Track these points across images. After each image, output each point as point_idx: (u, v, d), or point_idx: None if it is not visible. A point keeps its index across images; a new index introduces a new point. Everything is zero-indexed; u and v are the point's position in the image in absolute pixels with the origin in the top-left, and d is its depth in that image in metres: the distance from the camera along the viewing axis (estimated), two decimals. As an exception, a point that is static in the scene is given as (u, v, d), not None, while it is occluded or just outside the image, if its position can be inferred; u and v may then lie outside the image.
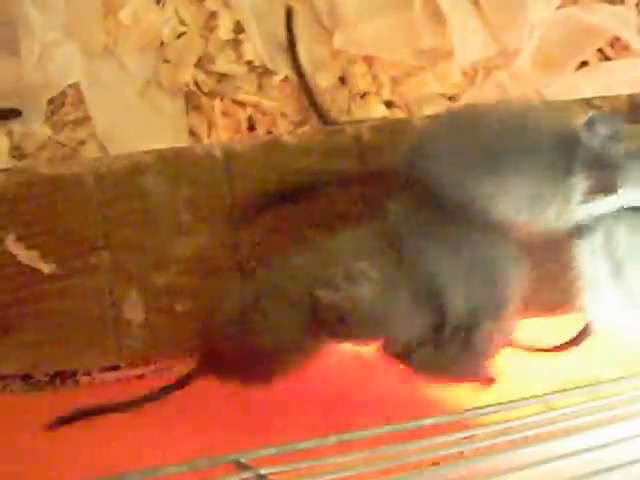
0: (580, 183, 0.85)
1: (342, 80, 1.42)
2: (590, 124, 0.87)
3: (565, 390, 0.92)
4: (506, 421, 0.86)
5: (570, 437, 0.79)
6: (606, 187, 0.84)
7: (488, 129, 0.88)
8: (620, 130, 0.87)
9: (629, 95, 1.02)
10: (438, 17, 1.41)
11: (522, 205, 0.85)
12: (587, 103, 1.02)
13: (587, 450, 0.74)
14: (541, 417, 0.86)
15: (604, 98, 1.03)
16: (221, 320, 0.88)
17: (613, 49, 1.64)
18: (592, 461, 0.73)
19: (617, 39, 1.63)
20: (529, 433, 0.83)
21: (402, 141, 0.98)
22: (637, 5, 1.69)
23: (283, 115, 1.36)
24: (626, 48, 1.64)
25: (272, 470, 0.69)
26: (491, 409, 0.87)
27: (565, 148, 0.85)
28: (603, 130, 0.86)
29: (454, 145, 0.86)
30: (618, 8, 1.64)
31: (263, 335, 0.85)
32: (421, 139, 0.90)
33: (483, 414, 0.86)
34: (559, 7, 1.55)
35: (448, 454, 0.78)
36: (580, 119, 0.88)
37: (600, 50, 1.63)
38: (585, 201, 0.85)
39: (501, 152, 0.85)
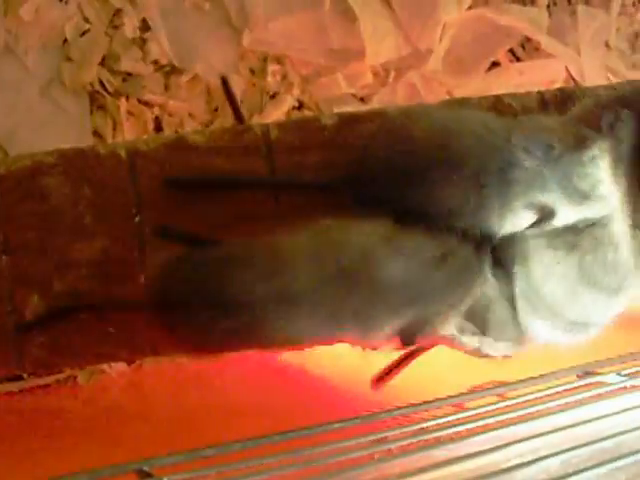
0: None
1: (253, 80, 1.41)
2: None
3: (476, 392, 0.93)
4: (419, 422, 0.86)
5: (480, 437, 0.80)
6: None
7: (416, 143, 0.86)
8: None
9: (539, 92, 1.04)
10: (349, 17, 1.42)
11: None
12: (498, 101, 1.03)
13: (496, 449, 0.74)
14: (453, 417, 0.86)
15: (514, 96, 1.05)
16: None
17: (524, 50, 1.69)
18: (500, 460, 0.74)
19: (528, 40, 1.67)
20: (441, 433, 0.84)
21: (311, 140, 0.97)
22: (548, 6, 1.73)
23: (191, 115, 1.35)
24: (537, 49, 1.68)
25: (176, 478, 0.68)
26: (403, 411, 0.87)
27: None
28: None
29: (389, 163, 0.85)
30: (529, 9, 1.68)
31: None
32: (360, 157, 0.88)
33: (394, 415, 0.86)
34: (470, 8, 1.57)
35: (359, 456, 0.77)
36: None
37: (511, 51, 1.67)
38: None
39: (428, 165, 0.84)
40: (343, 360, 1.09)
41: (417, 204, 0.82)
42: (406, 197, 0.83)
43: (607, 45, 1.77)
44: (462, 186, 0.81)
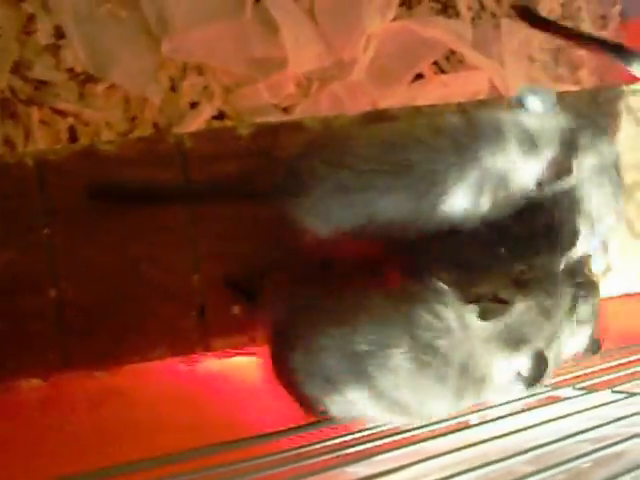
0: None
1: (173, 89, 1.40)
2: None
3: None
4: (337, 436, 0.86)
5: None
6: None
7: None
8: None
9: (459, 103, 1.05)
10: (271, 26, 1.42)
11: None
12: (417, 110, 1.04)
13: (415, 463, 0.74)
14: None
15: (433, 106, 1.06)
16: None
17: (448, 62, 1.70)
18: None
19: (452, 52, 1.69)
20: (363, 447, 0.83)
21: (227, 149, 0.97)
22: (472, 19, 1.76)
23: (108, 125, 1.34)
24: (461, 61, 1.70)
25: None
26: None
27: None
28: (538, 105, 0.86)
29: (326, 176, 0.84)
30: (453, 22, 1.70)
31: None
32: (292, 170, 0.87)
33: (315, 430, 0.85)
34: (394, 19, 1.58)
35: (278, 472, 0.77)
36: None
37: (436, 63, 1.68)
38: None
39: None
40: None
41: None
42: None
43: (530, 57, 1.81)
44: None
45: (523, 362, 0.78)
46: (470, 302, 0.77)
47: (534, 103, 0.87)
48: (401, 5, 1.65)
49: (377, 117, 1.03)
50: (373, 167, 0.83)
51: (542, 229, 0.85)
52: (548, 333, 0.79)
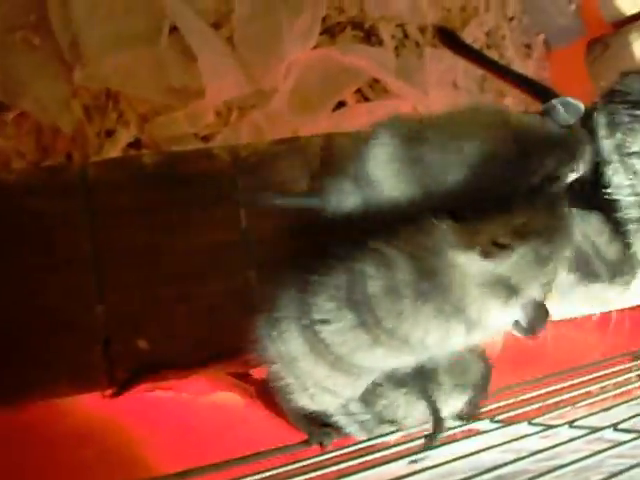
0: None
1: (87, 118, 1.39)
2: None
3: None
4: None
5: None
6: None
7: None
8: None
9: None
10: (188, 54, 1.42)
11: None
12: (329, 139, 1.04)
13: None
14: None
15: (348, 135, 1.06)
16: None
17: (373, 90, 1.72)
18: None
19: (376, 80, 1.71)
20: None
21: (132, 179, 0.96)
22: (396, 48, 1.78)
23: (20, 154, 1.32)
24: (386, 89, 1.72)
25: None
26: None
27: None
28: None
29: None
30: (376, 50, 1.72)
31: None
32: None
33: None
34: (316, 47, 1.59)
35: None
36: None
37: (360, 91, 1.70)
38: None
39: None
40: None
41: None
42: None
43: (455, 85, 1.84)
44: None
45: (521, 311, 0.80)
46: (471, 245, 0.78)
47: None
48: (323, 33, 1.67)
49: (289, 145, 1.04)
50: None
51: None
52: (546, 282, 0.80)
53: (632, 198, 0.92)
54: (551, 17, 2.09)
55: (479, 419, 0.94)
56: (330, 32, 1.70)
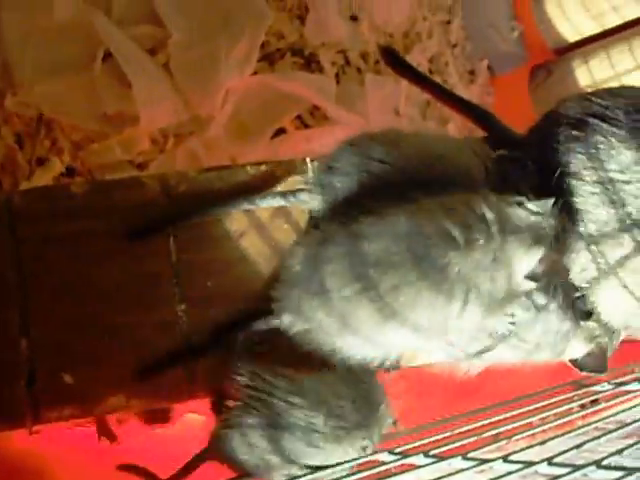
0: None
1: (19, 145, 1.38)
2: None
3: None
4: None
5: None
6: None
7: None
8: None
9: (303, 159, 1.07)
10: (123, 81, 1.42)
11: None
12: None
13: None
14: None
15: (279, 163, 1.07)
16: None
17: (313, 117, 1.74)
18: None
19: (317, 107, 1.73)
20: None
21: (59, 208, 0.96)
22: (337, 75, 1.80)
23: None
24: (326, 116, 1.73)
25: None
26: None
27: None
28: None
29: None
30: (316, 77, 1.74)
31: None
32: None
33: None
34: (255, 74, 1.60)
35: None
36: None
37: (299, 118, 1.71)
38: None
39: None
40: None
41: None
42: None
43: (396, 112, 1.86)
44: None
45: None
46: None
47: None
48: (262, 60, 1.68)
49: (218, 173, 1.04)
50: None
51: None
52: None
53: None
54: (494, 44, 2.13)
55: (413, 454, 0.95)
56: (269, 59, 1.71)
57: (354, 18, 1.87)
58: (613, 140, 0.91)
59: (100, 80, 1.42)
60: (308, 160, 1.04)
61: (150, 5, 1.49)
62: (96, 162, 1.42)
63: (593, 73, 1.99)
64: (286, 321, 0.87)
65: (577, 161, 0.93)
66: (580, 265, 0.96)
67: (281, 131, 1.67)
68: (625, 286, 0.95)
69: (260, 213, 1.02)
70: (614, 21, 2.00)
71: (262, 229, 1.02)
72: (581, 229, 0.94)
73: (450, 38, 2.10)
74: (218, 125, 1.53)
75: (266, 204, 0.98)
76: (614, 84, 1.87)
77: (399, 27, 1.97)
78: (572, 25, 2.07)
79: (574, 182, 0.93)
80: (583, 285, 0.97)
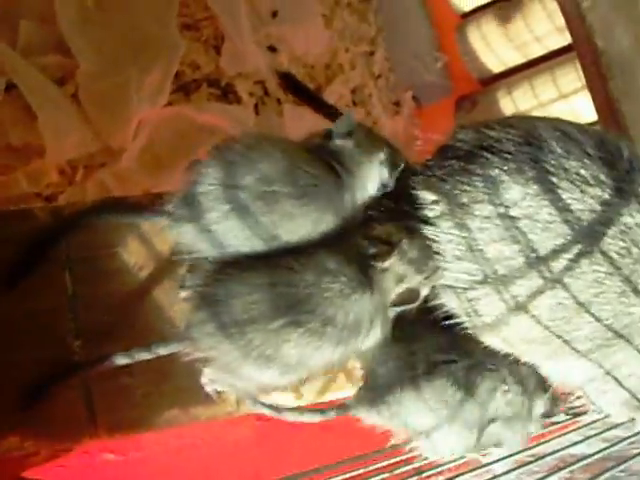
0: None
1: None
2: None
3: None
4: None
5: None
6: None
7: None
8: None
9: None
10: (27, 112, 1.41)
11: None
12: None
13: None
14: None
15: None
16: None
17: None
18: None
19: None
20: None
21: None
22: (256, 105, 1.81)
23: None
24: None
25: None
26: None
27: None
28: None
29: None
30: (234, 108, 1.74)
31: None
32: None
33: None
34: (169, 104, 1.60)
35: None
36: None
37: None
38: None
39: None
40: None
41: None
42: None
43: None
44: None
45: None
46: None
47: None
48: (177, 91, 1.69)
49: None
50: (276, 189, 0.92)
51: None
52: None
53: (458, 252, 0.95)
54: (418, 74, 2.16)
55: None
56: (185, 89, 1.72)
57: (272, 49, 1.88)
58: (503, 174, 0.93)
59: (4, 111, 1.41)
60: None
61: (58, 35, 1.49)
62: (1, 195, 1.41)
63: (517, 103, 2.04)
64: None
65: (466, 195, 0.94)
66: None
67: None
68: None
69: (161, 247, 1.02)
70: (537, 51, 2.04)
71: (161, 262, 1.01)
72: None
73: (374, 69, 2.13)
74: (130, 157, 1.53)
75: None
76: (538, 114, 1.91)
77: (320, 58, 1.99)
78: (496, 56, 2.11)
79: (462, 216, 0.95)
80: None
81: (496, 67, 2.13)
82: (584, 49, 1.25)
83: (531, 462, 0.92)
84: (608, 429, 1.04)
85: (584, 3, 1.22)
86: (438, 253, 0.96)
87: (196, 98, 1.72)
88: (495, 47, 2.09)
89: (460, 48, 2.16)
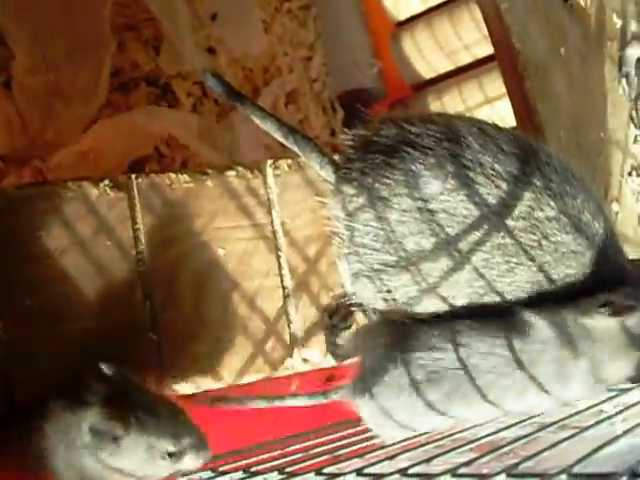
0: None
1: None
2: None
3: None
4: None
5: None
6: None
7: None
8: None
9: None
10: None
11: None
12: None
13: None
14: None
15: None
16: None
17: (169, 147, 1.72)
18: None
19: (173, 138, 1.71)
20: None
21: None
22: (193, 106, 1.79)
23: None
24: (181, 146, 1.72)
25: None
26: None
27: None
28: None
29: None
30: (175, 112, 1.72)
31: None
32: None
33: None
34: (110, 104, 1.59)
35: None
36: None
37: (157, 149, 1.69)
38: None
39: None
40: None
41: None
42: None
43: (267, 147, 1.84)
44: None
45: None
46: None
47: None
48: (116, 90, 1.66)
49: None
50: None
51: None
52: None
53: (377, 244, 0.95)
54: (354, 79, 2.15)
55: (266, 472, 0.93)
56: (124, 88, 1.69)
57: (212, 50, 1.87)
58: (422, 169, 0.93)
59: None
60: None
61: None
62: None
63: (446, 107, 2.04)
64: None
65: (386, 188, 0.94)
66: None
67: (138, 163, 1.64)
68: None
69: (82, 230, 1.00)
70: (466, 59, 2.05)
71: (84, 246, 0.99)
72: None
73: (311, 74, 2.12)
74: (69, 156, 1.50)
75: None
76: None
77: (259, 61, 1.97)
78: (427, 63, 2.11)
79: (382, 209, 0.95)
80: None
81: (427, 73, 2.13)
82: (503, 50, 1.26)
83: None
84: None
85: (503, 5, 1.23)
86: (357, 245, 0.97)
87: (135, 97, 1.70)
88: (426, 54, 2.10)
89: (394, 55, 2.16)
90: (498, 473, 0.70)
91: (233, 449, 1.03)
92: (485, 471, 0.74)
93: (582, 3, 1.28)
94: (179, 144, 1.73)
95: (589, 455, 0.70)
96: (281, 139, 1.02)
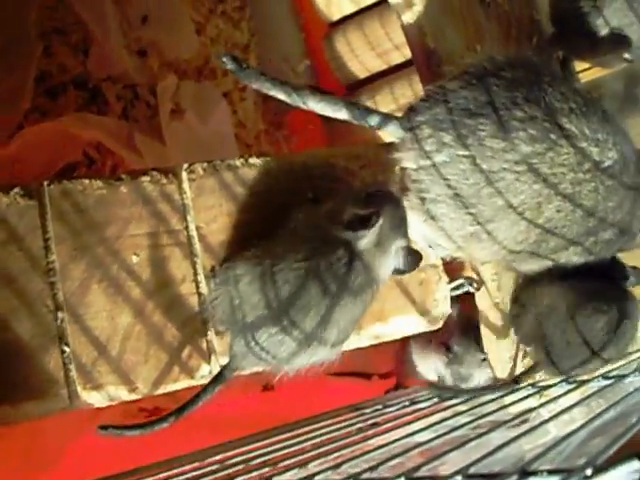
0: None
1: None
2: None
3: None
4: None
5: None
6: None
7: None
8: None
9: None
10: None
11: None
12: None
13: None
14: None
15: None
16: None
17: (98, 152, 1.69)
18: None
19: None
20: None
21: None
22: (124, 109, 1.76)
23: None
24: (110, 151, 1.68)
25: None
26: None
27: None
28: None
29: None
30: (105, 119, 1.68)
31: None
32: None
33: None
34: (37, 108, 1.57)
35: None
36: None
37: (86, 155, 1.66)
38: None
39: None
40: None
41: None
42: None
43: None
44: None
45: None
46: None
47: None
48: (44, 94, 1.63)
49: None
50: None
51: None
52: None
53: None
54: (287, 79, 2.12)
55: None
56: (52, 93, 1.66)
57: (143, 53, 1.83)
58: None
59: None
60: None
61: None
62: None
63: (379, 106, 2.02)
64: None
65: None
66: None
67: (68, 170, 1.61)
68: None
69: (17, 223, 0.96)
70: (397, 59, 2.03)
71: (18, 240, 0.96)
72: None
73: (245, 74, 2.09)
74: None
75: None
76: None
77: (192, 63, 1.94)
78: (360, 62, 2.09)
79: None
80: None
81: (361, 73, 2.12)
82: (417, 50, 1.27)
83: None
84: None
85: (415, 7, 1.22)
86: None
87: (63, 101, 1.66)
88: (359, 54, 2.08)
89: (328, 55, 2.14)
90: (398, 476, 0.69)
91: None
92: (387, 475, 0.72)
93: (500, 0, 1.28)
94: (107, 148, 1.70)
95: (486, 456, 0.68)
96: (329, 113, 1.00)
